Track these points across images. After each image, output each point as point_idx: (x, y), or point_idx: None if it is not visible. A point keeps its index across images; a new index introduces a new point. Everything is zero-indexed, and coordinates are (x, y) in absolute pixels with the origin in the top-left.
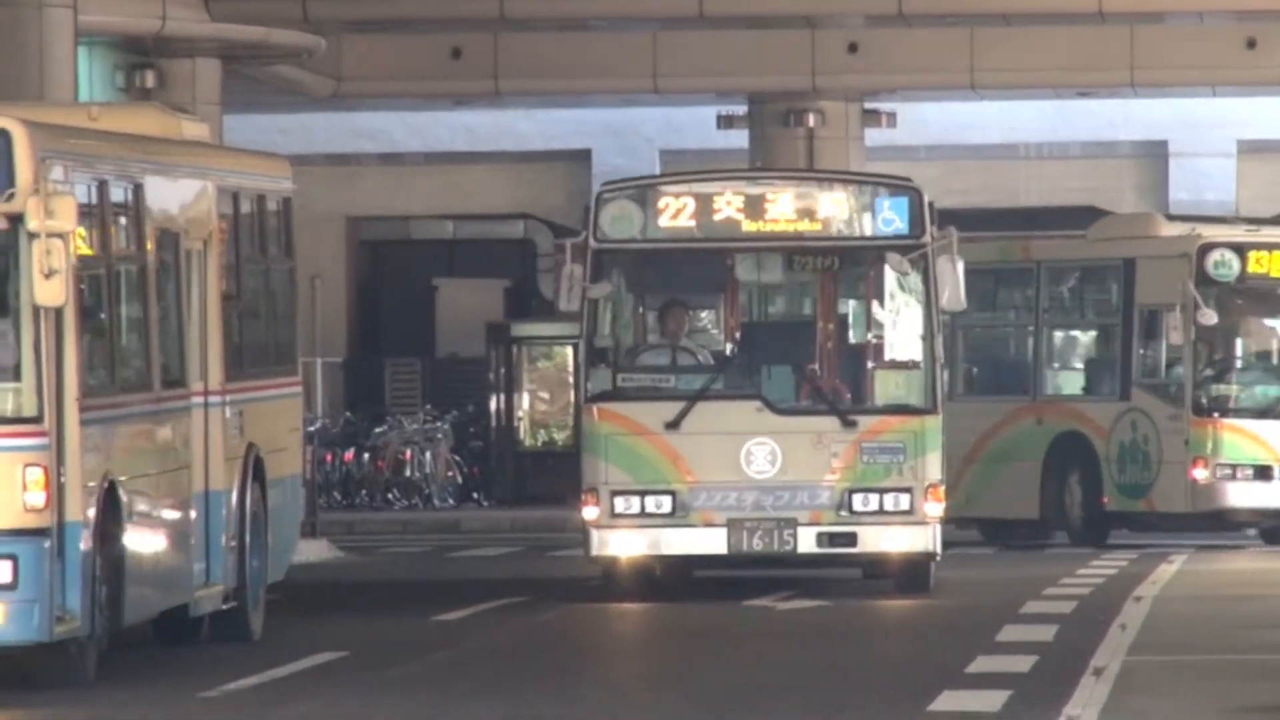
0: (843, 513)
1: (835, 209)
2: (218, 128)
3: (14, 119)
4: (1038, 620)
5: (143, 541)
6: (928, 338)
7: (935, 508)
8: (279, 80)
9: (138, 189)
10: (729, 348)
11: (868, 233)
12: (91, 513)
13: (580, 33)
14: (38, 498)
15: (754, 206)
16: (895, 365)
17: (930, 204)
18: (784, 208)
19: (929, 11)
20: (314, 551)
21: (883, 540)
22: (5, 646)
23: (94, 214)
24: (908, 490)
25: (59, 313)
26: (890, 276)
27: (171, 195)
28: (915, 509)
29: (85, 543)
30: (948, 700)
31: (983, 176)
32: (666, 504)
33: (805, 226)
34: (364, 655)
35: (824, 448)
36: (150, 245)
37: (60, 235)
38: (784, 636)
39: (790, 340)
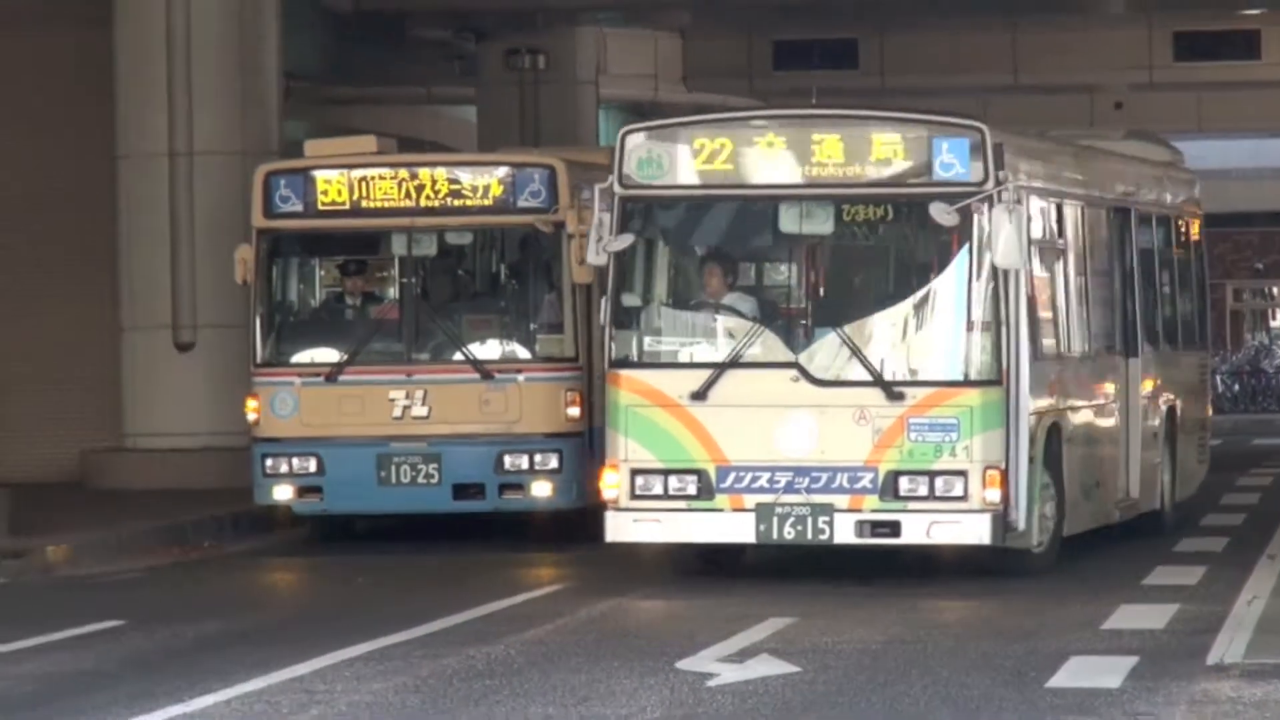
0: (886, 498)
1: (888, 151)
2: None
3: (558, 159)
4: (1231, 510)
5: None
6: (992, 299)
7: (994, 494)
8: None
9: None
10: (765, 309)
11: (924, 178)
12: None
13: (926, 97)
14: (574, 411)
15: (796, 149)
16: (951, 330)
17: (998, 146)
18: (830, 150)
19: (1170, 81)
20: None
21: (930, 530)
22: (553, 511)
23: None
24: (961, 474)
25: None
26: (945, 228)
27: None
28: (969, 495)
29: (580, 446)
30: (1160, 575)
31: (1206, 192)
32: (692, 485)
33: (854, 171)
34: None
35: (867, 424)
36: None
37: (585, 235)
38: None
39: (833, 301)
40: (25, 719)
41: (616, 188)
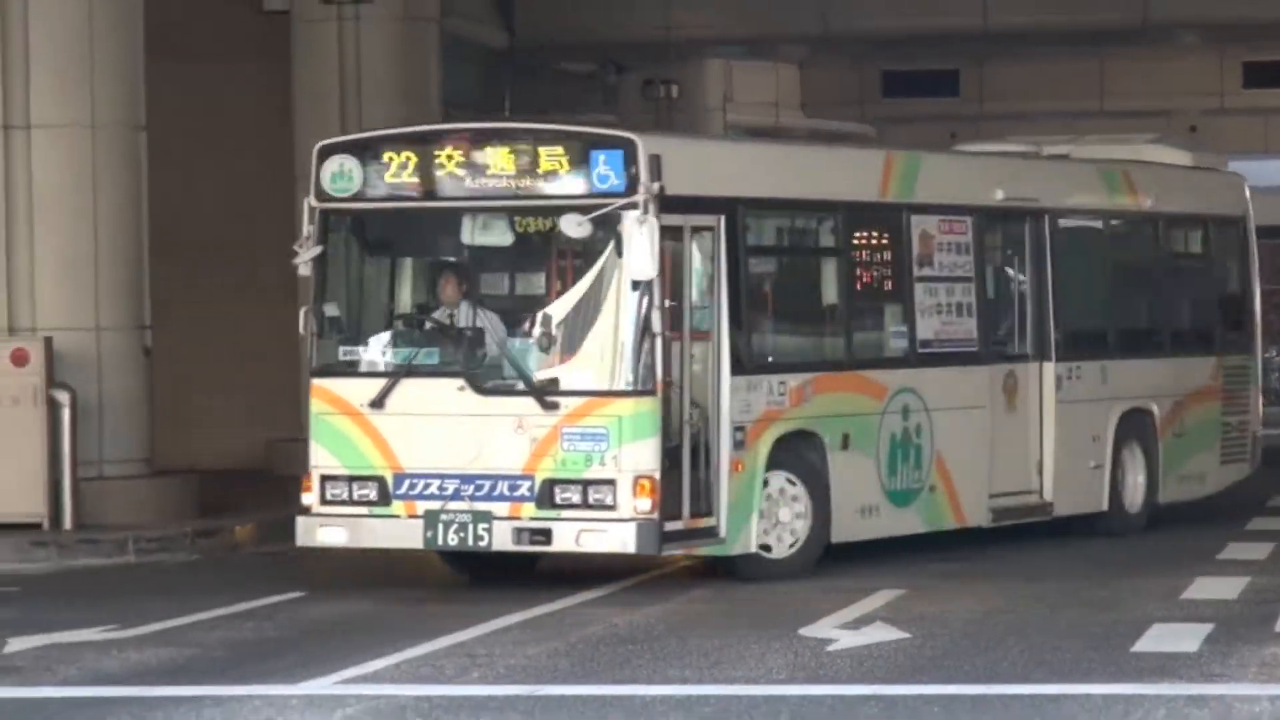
0: (543, 506)
1: (553, 164)
2: None
3: None
4: None
5: None
6: (643, 309)
7: (645, 502)
8: None
9: None
10: (442, 318)
11: (583, 190)
12: None
13: (1020, 122)
14: None
15: (473, 162)
16: (603, 340)
17: (654, 158)
18: (503, 163)
19: (1240, 107)
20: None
21: (579, 538)
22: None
23: None
24: (610, 482)
25: None
26: (592, 238)
27: None
28: (618, 503)
29: None
30: (1233, 550)
31: (1272, 206)
32: (372, 491)
33: (524, 184)
34: None
35: (525, 433)
36: None
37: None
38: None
39: (499, 311)
40: (217, 680)
41: (312, 200)
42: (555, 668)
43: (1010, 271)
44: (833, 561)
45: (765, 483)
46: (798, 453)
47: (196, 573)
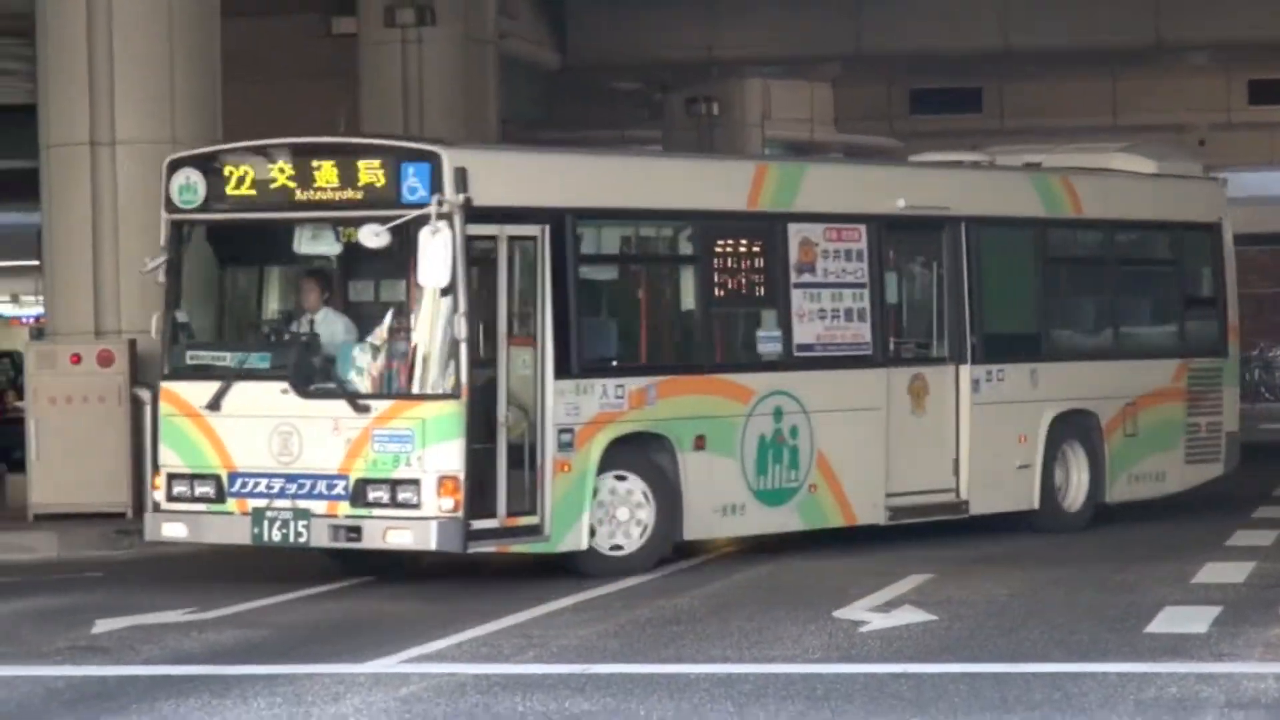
0: (357, 505)
1: (370, 176)
2: None
3: None
4: None
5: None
6: (446, 316)
7: (448, 501)
8: None
9: None
10: (274, 324)
11: (396, 201)
12: None
13: (1038, 137)
14: None
15: (302, 175)
16: (411, 345)
17: (459, 170)
18: (327, 176)
19: (1246, 122)
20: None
21: (386, 535)
22: None
23: None
24: (415, 482)
25: None
26: (413, 248)
27: None
28: (423, 502)
29: None
30: (1240, 538)
31: (1275, 216)
32: (210, 489)
33: (346, 195)
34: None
35: (340, 435)
36: None
37: None
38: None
39: (326, 317)
40: (289, 660)
41: (163, 213)
42: (605, 648)
43: (920, 278)
44: (863, 548)
45: (617, 480)
46: (644, 454)
47: (269, 559)
